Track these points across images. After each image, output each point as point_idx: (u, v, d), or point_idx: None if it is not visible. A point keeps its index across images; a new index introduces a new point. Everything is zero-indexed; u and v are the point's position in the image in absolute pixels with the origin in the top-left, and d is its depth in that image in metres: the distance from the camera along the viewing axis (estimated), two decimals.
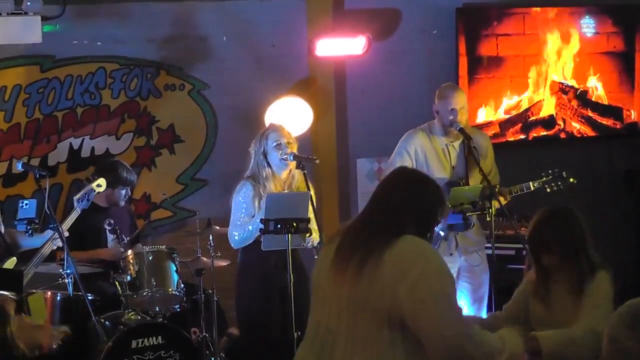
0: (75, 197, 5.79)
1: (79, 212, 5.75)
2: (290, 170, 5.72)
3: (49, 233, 5.60)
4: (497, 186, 6.00)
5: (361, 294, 3.18)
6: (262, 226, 5.37)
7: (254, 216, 5.61)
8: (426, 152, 6.13)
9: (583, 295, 4.01)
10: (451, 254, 6.01)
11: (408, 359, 3.14)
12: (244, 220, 5.64)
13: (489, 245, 5.94)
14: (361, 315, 3.18)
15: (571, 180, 6.36)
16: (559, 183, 6.32)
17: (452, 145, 6.15)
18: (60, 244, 5.58)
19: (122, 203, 6.31)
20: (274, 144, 5.68)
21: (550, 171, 6.34)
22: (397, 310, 3.12)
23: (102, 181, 5.87)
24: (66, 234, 5.57)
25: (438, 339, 3.12)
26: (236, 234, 5.67)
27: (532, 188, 6.20)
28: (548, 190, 6.32)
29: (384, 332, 3.15)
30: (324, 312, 3.31)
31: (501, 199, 5.92)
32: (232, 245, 5.78)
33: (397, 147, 6.22)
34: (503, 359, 3.30)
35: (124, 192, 6.26)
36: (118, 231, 6.12)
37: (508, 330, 3.54)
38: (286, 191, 5.69)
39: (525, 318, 4.19)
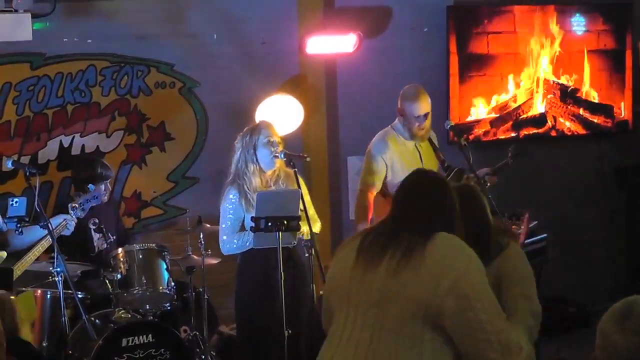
0: (71, 205, 5.79)
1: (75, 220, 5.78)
2: (275, 170, 5.70)
3: (38, 233, 5.58)
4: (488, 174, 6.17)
5: (399, 286, 3.20)
6: (252, 243, 5.48)
7: (243, 219, 5.60)
8: (400, 154, 6.17)
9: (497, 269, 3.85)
10: None
11: (434, 355, 3.17)
12: (232, 227, 5.64)
13: None
14: (395, 306, 3.20)
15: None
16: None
17: (421, 145, 6.24)
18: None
19: (105, 198, 6.28)
20: (265, 140, 5.66)
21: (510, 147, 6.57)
22: (437, 305, 3.15)
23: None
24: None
25: (481, 333, 3.15)
26: (227, 241, 5.67)
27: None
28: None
29: (416, 325, 3.17)
30: (350, 311, 3.32)
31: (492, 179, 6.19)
32: (222, 252, 5.78)
33: (369, 153, 6.23)
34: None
35: (103, 187, 6.22)
36: (103, 230, 6.12)
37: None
38: (273, 188, 5.68)
39: None
